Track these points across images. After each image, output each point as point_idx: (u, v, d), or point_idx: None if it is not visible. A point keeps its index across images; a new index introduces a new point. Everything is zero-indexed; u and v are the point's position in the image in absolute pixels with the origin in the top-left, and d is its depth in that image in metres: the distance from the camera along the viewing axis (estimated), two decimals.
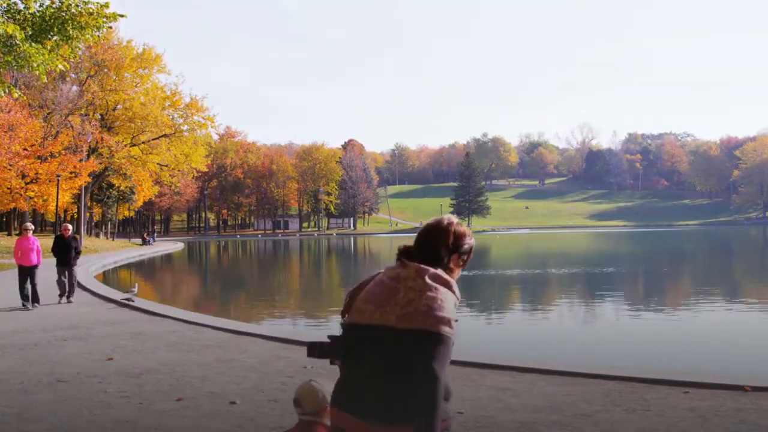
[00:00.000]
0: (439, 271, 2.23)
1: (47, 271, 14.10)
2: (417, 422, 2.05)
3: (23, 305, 12.67)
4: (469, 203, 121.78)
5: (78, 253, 13.96)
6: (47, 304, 12.88)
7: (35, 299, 12.83)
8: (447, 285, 2.20)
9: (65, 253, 13.65)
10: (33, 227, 13.86)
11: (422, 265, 2.22)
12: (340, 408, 2.24)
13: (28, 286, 12.82)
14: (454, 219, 2.35)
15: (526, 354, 8.82)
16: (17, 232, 51.57)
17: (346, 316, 2.32)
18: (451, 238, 2.30)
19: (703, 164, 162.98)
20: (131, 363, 7.30)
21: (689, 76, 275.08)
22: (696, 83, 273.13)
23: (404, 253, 2.31)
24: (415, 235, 2.36)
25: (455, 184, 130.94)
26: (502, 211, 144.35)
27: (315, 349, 2.33)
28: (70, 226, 14.33)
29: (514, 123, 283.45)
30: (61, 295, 13.48)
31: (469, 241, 2.35)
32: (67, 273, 13.55)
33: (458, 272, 2.34)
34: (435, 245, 2.29)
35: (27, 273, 12.83)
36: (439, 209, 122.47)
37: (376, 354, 2.16)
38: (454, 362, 6.94)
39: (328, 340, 2.31)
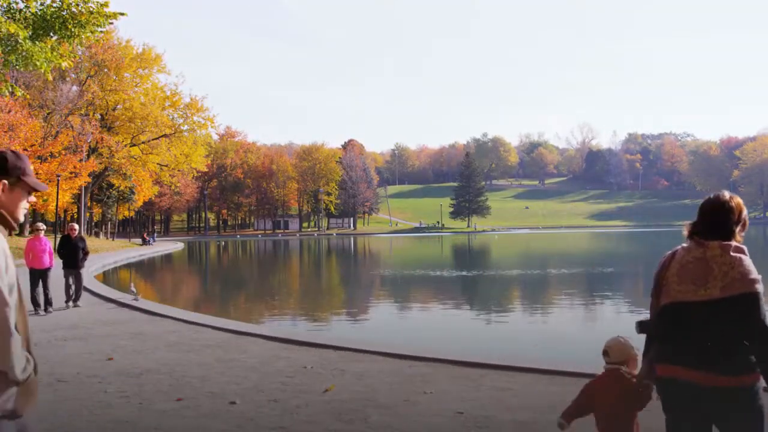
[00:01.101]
0: (735, 243, 2.68)
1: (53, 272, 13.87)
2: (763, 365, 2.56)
3: (35, 310, 11.91)
4: (469, 203, 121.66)
5: (86, 254, 13.13)
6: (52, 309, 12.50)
7: (48, 303, 12.12)
8: (745, 252, 2.67)
9: (73, 254, 12.80)
10: (45, 227, 12.97)
11: (722, 242, 2.66)
12: (673, 363, 2.72)
13: (39, 290, 12.14)
14: (729, 193, 2.78)
15: (526, 354, 8.82)
16: (17, 232, 51.51)
17: (662, 296, 2.79)
18: (736, 214, 2.74)
19: (703, 164, 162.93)
20: (131, 363, 7.30)
21: (689, 76, 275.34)
22: (696, 83, 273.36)
23: (696, 233, 2.75)
24: (700, 212, 2.79)
25: (455, 184, 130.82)
26: (502, 211, 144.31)
27: (645, 326, 2.93)
28: (77, 226, 13.50)
29: (514, 123, 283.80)
30: (67, 300, 12.74)
31: (746, 210, 2.83)
32: (73, 276, 12.80)
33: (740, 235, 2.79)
34: (726, 223, 2.72)
35: (39, 277, 12.10)
36: (439, 209, 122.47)
37: (706, 321, 2.63)
38: (454, 362, 6.97)
39: (647, 318, 2.93)
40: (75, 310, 12.29)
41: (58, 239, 38.35)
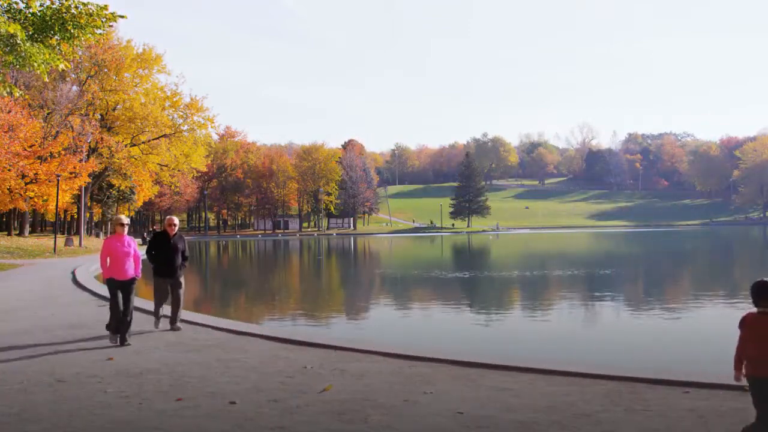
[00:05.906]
0: None
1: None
2: None
3: (111, 340, 8.50)
4: (469, 203, 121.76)
5: (185, 258, 9.67)
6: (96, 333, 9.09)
7: (126, 329, 8.50)
8: None
9: (170, 258, 9.46)
10: (128, 221, 9.02)
11: None
12: None
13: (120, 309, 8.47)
14: None
15: (526, 354, 8.82)
16: (17, 231, 51.41)
17: None
18: None
19: (703, 164, 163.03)
20: (131, 363, 7.29)
21: (689, 76, 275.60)
22: (696, 83, 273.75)
23: None
24: None
25: (455, 184, 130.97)
26: (502, 211, 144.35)
27: None
28: (176, 220, 9.77)
29: (514, 123, 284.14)
30: (157, 320, 9.66)
31: None
32: (170, 287, 9.55)
33: None
34: None
35: (120, 290, 8.55)
36: (439, 209, 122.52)
37: None
38: (454, 362, 6.97)
39: None
40: (75, 310, 11.21)
41: (64, 239, 38.41)
